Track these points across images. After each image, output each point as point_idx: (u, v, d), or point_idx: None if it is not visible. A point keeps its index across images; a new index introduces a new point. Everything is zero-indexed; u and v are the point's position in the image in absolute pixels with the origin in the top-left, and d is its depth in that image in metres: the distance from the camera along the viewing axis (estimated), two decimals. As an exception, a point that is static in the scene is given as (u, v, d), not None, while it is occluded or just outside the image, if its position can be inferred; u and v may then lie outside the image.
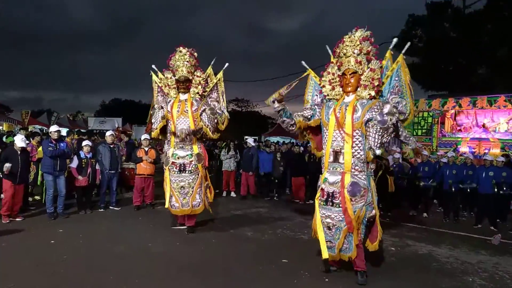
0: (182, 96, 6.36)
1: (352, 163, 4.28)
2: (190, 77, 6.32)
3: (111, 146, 8.26)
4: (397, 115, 4.12)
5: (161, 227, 6.77)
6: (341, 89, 4.54)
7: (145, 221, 7.24)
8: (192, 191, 6.20)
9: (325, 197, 4.38)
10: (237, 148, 11.24)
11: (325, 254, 4.37)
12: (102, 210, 8.03)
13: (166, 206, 6.39)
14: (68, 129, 12.79)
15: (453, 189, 8.38)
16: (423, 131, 13.54)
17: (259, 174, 10.82)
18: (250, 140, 11.15)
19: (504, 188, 7.74)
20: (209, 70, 6.74)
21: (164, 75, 6.55)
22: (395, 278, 4.71)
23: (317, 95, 5.04)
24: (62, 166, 7.16)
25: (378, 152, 4.28)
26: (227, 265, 4.96)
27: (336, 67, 4.57)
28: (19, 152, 6.81)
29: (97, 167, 8.03)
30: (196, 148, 6.32)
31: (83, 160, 7.62)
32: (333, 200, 4.31)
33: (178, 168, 6.21)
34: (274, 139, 23.68)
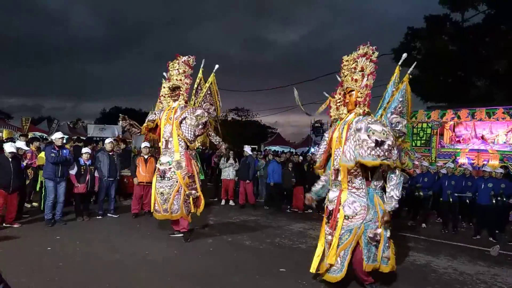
0: (173, 104, 6.49)
1: (348, 181, 4.23)
2: (180, 85, 6.42)
3: (110, 153, 8.28)
4: (389, 140, 3.99)
5: (159, 235, 6.74)
6: (345, 108, 4.63)
7: (143, 229, 7.21)
8: (170, 198, 6.15)
9: (327, 215, 4.42)
10: (236, 157, 11.26)
11: (313, 269, 4.53)
12: (100, 217, 8.01)
13: (152, 210, 6.51)
14: (67, 137, 12.80)
15: (451, 200, 8.40)
16: (422, 142, 13.59)
17: (265, 184, 10.76)
18: (247, 149, 11.17)
19: (504, 199, 7.75)
20: (200, 74, 6.89)
21: (163, 86, 6.82)
22: (393, 288, 4.68)
23: None
24: (63, 173, 7.16)
25: (343, 160, 4.15)
26: (224, 274, 4.93)
27: (342, 89, 4.72)
28: (10, 160, 6.77)
29: (96, 174, 8.04)
30: (178, 156, 6.26)
31: (82, 167, 7.63)
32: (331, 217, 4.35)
33: (160, 174, 6.27)
34: (273, 148, 23.74)
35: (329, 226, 4.30)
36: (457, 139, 13.44)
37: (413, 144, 13.67)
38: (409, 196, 9.34)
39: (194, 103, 6.82)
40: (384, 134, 3.96)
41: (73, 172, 7.54)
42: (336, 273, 4.18)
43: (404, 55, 4.62)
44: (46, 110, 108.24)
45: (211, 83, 6.91)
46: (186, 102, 6.55)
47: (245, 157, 10.86)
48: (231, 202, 10.75)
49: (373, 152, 3.91)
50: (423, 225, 8.89)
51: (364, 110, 4.35)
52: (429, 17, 21.23)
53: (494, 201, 7.74)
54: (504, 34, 18.53)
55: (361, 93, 4.32)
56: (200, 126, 6.35)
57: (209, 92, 6.90)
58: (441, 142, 13.29)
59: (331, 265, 4.17)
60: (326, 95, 5.45)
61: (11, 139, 11.17)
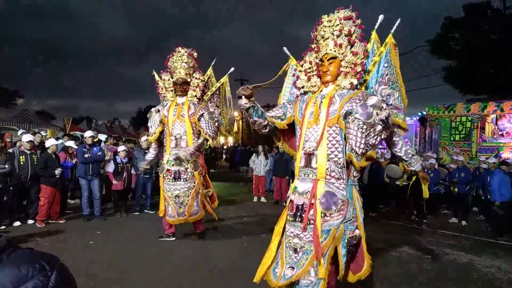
0: (179, 100, 6.04)
1: (327, 168, 3.33)
2: (188, 79, 6.02)
3: (146, 151, 8.52)
4: (387, 110, 3.10)
5: (193, 231, 6.87)
6: (318, 79, 3.64)
7: (178, 225, 7.36)
8: (188, 200, 5.81)
9: (293, 211, 3.42)
10: (267, 153, 11.24)
11: (257, 278, 3.54)
12: (137, 213, 8.28)
13: (161, 215, 6.13)
14: (106, 135, 13.30)
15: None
16: (461, 136, 13.04)
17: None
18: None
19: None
20: (210, 71, 6.46)
21: (161, 77, 6.24)
22: None
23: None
24: (94, 170, 7.42)
25: (359, 158, 3.24)
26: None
27: (314, 54, 3.66)
28: (54, 156, 7.05)
29: (133, 171, 8.31)
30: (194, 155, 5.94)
31: (119, 165, 7.91)
32: (303, 215, 3.33)
33: (172, 175, 5.80)
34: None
35: (300, 227, 3.30)
36: (500, 132, 12.79)
37: (452, 139, 13.17)
38: (449, 193, 9.05)
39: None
40: (382, 104, 3.12)
41: (110, 169, 7.86)
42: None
43: (381, 16, 3.64)
44: (83, 110, 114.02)
45: (222, 84, 6.46)
46: (199, 99, 6.16)
47: (280, 153, 10.79)
48: (262, 199, 10.80)
49: (382, 136, 3.20)
50: (463, 222, 8.55)
51: (352, 83, 3.41)
52: (468, 5, 20.29)
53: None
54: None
55: (346, 62, 3.40)
56: (216, 124, 6.02)
57: (217, 93, 6.46)
58: (482, 136, 12.71)
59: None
60: (286, 51, 4.27)
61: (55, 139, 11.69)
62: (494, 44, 19.09)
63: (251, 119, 3.67)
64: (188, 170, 5.81)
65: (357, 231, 3.33)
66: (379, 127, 3.09)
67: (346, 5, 3.41)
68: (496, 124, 12.92)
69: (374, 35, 3.70)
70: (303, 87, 3.80)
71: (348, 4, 3.42)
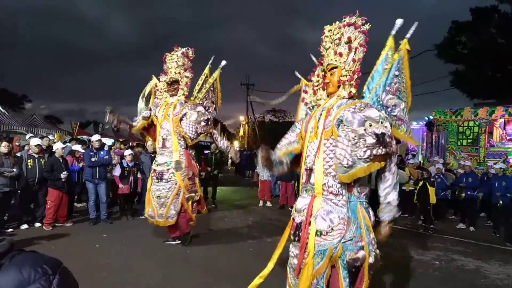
0: (171, 100, 5.99)
1: (324, 183, 3.06)
2: (179, 78, 5.94)
3: (152, 155, 8.56)
4: (387, 128, 2.84)
5: (200, 235, 6.87)
6: (324, 92, 3.46)
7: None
8: (168, 202, 5.70)
9: (294, 229, 3.25)
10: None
11: None
12: (143, 217, 8.28)
13: (146, 215, 6.14)
14: (113, 139, 13.40)
15: (501, 202, 7.91)
16: (469, 141, 12.93)
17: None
18: None
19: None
20: (207, 70, 6.34)
21: (159, 80, 6.28)
22: (439, 293, 4.50)
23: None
24: (101, 174, 7.46)
25: (340, 171, 2.87)
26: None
27: (321, 67, 3.52)
28: (61, 160, 7.15)
29: (139, 175, 8.35)
30: (177, 155, 5.78)
31: (125, 169, 7.95)
32: (300, 233, 3.13)
33: (156, 176, 5.79)
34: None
35: (298, 246, 3.12)
36: (508, 137, 12.67)
37: (459, 144, 13.07)
38: (456, 198, 8.98)
39: (195, 98, 6.24)
40: (381, 120, 2.85)
41: (116, 173, 7.90)
42: None
43: (399, 21, 3.31)
44: (90, 114, 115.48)
45: (215, 79, 6.34)
46: (186, 97, 6.05)
47: None
48: (268, 203, 10.79)
49: (373, 152, 2.80)
50: (471, 228, 8.46)
51: (350, 91, 3.19)
52: (475, 9, 20.21)
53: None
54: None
55: (346, 71, 3.19)
56: (202, 123, 5.82)
57: (212, 89, 6.33)
58: (490, 141, 12.59)
59: None
60: (298, 75, 4.16)
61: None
62: (501, 48, 18.98)
63: (271, 171, 3.70)
64: (170, 171, 5.72)
65: (360, 253, 2.98)
66: (370, 139, 2.79)
67: (353, 12, 3.24)
68: (504, 128, 12.80)
69: (390, 41, 3.42)
70: (310, 102, 3.73)
71: (346, 11, 3.31)
